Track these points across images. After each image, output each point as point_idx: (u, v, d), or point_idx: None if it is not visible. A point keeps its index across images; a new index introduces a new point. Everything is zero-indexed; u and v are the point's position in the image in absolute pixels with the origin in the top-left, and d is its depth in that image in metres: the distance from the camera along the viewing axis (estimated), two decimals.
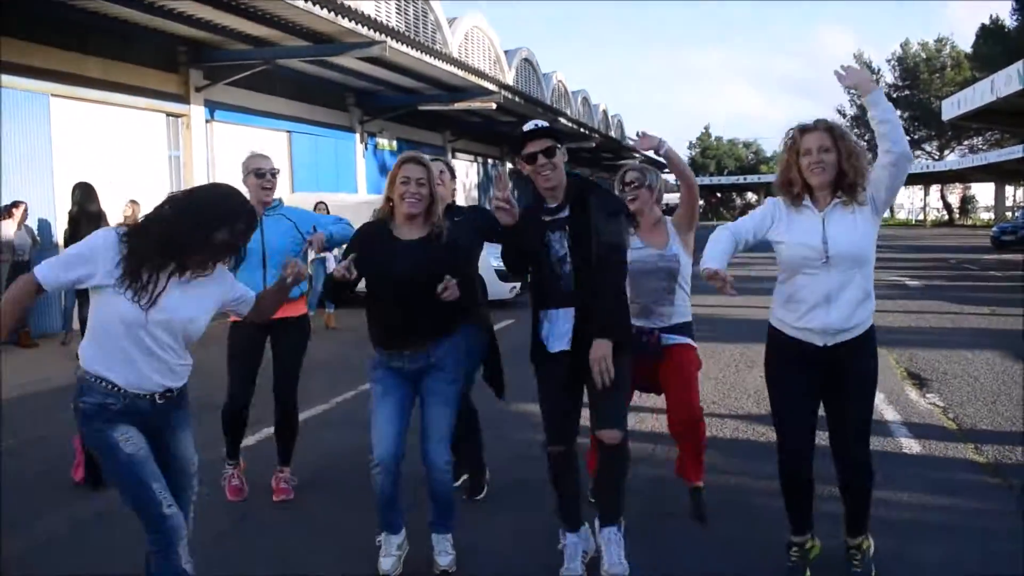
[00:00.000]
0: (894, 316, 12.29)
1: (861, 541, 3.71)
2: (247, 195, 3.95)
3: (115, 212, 11.19)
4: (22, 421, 6.89)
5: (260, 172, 4.82)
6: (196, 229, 2.82)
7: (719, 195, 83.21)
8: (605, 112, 49.42)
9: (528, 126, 3.77)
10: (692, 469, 4.48)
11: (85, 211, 9.90)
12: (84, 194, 9.99)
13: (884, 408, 6.72)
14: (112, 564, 4.00)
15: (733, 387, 7.63)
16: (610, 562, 3.70)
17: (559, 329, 3.73)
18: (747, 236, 3.60)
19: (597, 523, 3.87)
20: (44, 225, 10.75)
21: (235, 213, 2.89)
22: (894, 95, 45.98)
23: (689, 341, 4.42)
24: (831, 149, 3.40)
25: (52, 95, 11.30)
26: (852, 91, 3.45)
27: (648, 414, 6.36)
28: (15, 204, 10.23)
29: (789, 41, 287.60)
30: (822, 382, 3.56)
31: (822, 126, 3.46)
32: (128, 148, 12.74)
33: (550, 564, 3.86)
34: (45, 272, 2.77)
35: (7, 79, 10.56)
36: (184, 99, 13.87)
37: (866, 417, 3.58)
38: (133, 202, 11.43)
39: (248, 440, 5.36)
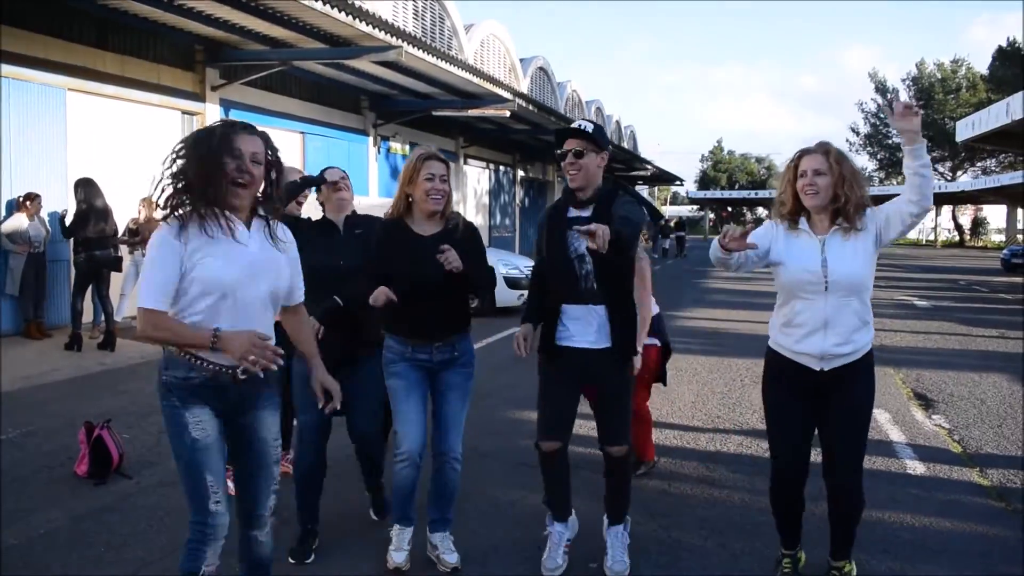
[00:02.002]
0: (901, 336, 12.25)
1: (843, 564, 3.76)
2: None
3: (125, 206, 11.24)
4: (27, 412, 6.91)
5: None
6: (205, 164, 2.78)
7: (730, 209, 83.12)
8: (618, 123, 49.45)
9: (573, 124, 3.86)
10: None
11: (93, 207, 9.94)
12: (89, 190, 10.03)
13: (889, 428, 6.71)
14: (110, 560, 4.01)
15: (739, 402, 7.61)
16: (613, 559, 3.94)
17: (579, 326, 3.81)
18: (753, 239, 3.56)
19: (605, 521, 4.06)
20: (56, 218, 10.78)
21: (225, 138, 2.81)
22: None
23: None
24: (826, 173, 3.41)
25: (69, 89, 11.35)
26: (895, 131, 3.35)
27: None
28: (30, 196, 10.24)
29: (812, 57, 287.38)
30: (818, 406, 3.57)
31: (820, 149, 3.49)
32: (142, 144, 12.77)
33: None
34: (153, 300, 2.70)
35: (24, 72, 10.62)
36: (200, 97, 13.93)
37: (858, 445, 3.57)
38: (146, 201, 11.47)
39: None
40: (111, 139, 12.16)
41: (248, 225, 2.88)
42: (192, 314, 2.74)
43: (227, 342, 2.67)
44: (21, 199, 10.21)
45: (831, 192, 3.41)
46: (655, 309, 5.11)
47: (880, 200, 3.65)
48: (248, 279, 2.79)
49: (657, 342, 5.26)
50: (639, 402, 5.08)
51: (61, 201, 10.99)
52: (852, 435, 3.55)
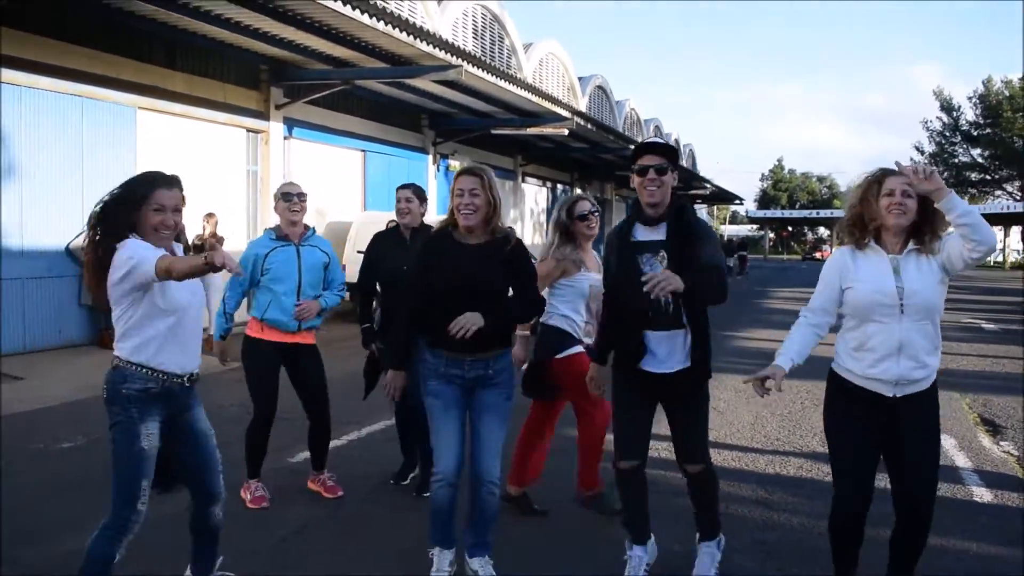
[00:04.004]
0: (968, 360, 11.95)
1: None
2: (279, 220, 5.10)
3: (190, 222, 11.49)
4: (93, 421, 7.09)
5: (288, 196, 5.10)
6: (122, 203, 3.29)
7: (790, 229, 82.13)
8: (677, 141, 49.19)
9: (649, 139, 3.82)
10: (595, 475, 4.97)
11: None
12: None
13: (955, 454, 6.54)
14: (174, 563, 4.08)
15: (799, 424, 7.50)
16: (698, 572, 3.96)
17: (662, 351, 3.75)
18: (828, 319, 3.61)
19: (697, 535, 4.08)
20: None
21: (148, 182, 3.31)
22: (975, 133, 44.86)
23: None
24: (913, 196, 3.35)
25: (139, 108, 11.70)
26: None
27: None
28: None
29: (876, 75, 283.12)
30: (884, 433, 3.48)
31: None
32: (208, 162, 13.10)
33: None
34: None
35: (98, 91, 10.97)
36: (264, 116, 14.23)
37: (935, 474, 3.48)
38: (210, 215, 11.75)
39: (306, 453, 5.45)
40: (178, 156, 12.46)
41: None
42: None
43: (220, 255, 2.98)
44: None
45: (915, 214, 3.37)
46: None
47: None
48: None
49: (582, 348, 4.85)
50: (595, 423, 4.82)
51: None
52: (928, 463, 3.46)
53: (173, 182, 3.34)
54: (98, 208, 3.33)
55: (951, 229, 3.37)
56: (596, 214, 4.87)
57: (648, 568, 4.01)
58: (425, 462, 5.17)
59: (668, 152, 3.75)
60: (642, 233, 3.79)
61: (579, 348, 4.76)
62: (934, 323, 3.44)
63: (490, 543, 3.99)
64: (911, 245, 3.41)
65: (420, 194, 5.29)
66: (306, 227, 5.18)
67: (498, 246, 3.86)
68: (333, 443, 5.86)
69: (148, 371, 3.25)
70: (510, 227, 4.00)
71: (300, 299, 5.01)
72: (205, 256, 2.98)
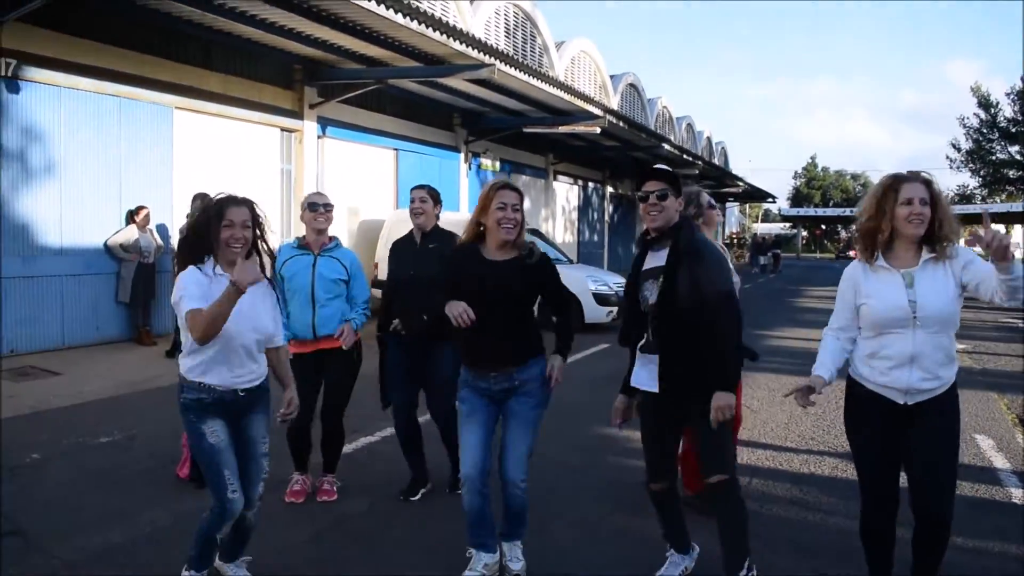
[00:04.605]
0: (1007, 360, 11.78)
1: None
2: (305, 228, 5.15)
3: None
4: (131, 416, 7.20)
5: (314, 206, 5.12)
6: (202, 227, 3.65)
7: (823, 227, 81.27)
8: (709, 139, 48.90)
9: (656, 166, 3.86)
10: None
11: None
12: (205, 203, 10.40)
13: (993, 455, 6.46)
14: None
15: (833, 423, 7.43)
16: None
17: (644, 372, 3.83)
18: (853, 334, 3.62)
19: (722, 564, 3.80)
20: (161, 230, 11.25)
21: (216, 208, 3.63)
22: (1013, 129, 44.06)
23: None
24: (928, 204, 3.33)
25: (176, 108, 11.83)
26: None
27: (743, 447, 6.26)
28: (139, 209, 10.84)
29: (912, 71, 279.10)
30: (902, 436, 3.47)
31: (920, 178, 3.40)
32: (243, 160, 13.21)
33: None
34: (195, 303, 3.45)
35: (136, 91, 11.12)
36: (298, 115, 14.32)
37: (948, 475, 3.45)
38: None
39: (346, 448, 5.50)
40: (214, 155, 12.63)
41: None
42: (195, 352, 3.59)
43: (240, 272, 3.23)
44: (131, 212, 10.82)
45: (929, 224, 3.34)
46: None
47: (975, 219, 3.53)
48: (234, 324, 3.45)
49: None
50: None
51: (166, 214, 11.46)
52: (940, 465, 3.43)
53: (242, 201, 3.68)
54: (180, 235, 3.78)
55: (977, 249, 3.31)
56: (715, 209, 4.85)
57: (685, 571, 4.04)
58: (455, 463, 5.16)
59: (669, 178, 3.76)
60: (650, 260, 3.84)
61: None
62: (949, 335, 3.41)
63: (521, 532, 4.13)
64: (926, 254, 3.38)
65: (435, 195, 5.25)
66: (331, 238, 5.19)
67: (523, 260, 3.96)
68: (367, 440, 5.92)
69: (200, 384, 3.60)
70: (532, 242, 4.09)
71: (315, 310, 5.03)
72: (227, 288, 3.26)
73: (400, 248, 5.32)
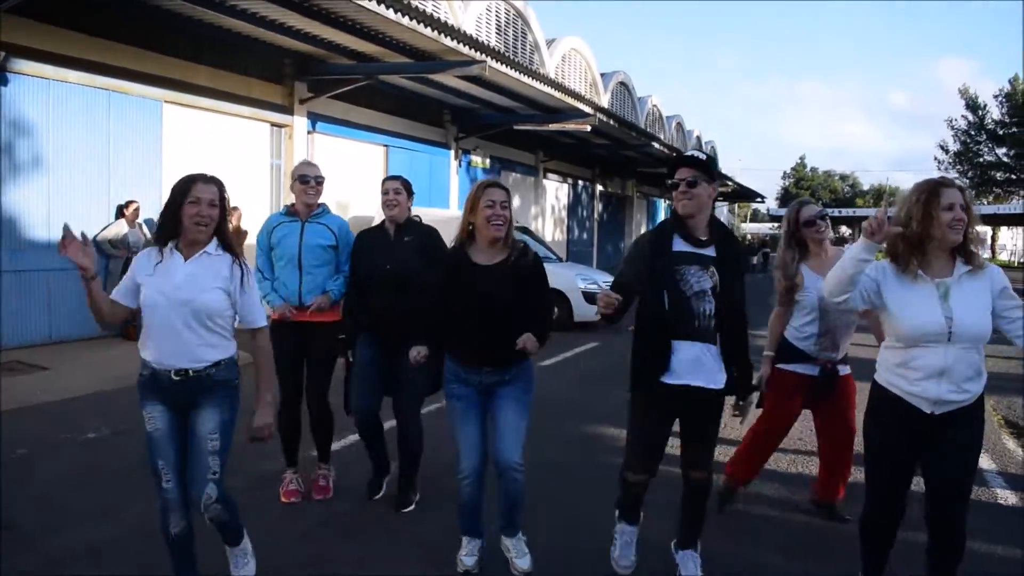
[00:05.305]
0: (992, 361, 11.76)
1: None
2: (295, 199, 5.08)
3: None
4: (118, 411, 7.16)
5: (304, 178, 5.08)
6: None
7: None
8: (699, 138, 48.96)
9: (688, 153, 3.83)
10: (837, 487, 4.97)
11: None
12: None
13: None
14: (198, 553, 4.12)
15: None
16: (687, 574, 3.95)
17: (690, 364, 3.67)
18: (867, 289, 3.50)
19: (673, 544, 4.07)
20: (150, 224, 11.21)
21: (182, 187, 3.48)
22: (1000, 132, 44.31)
23: (849, 369, 4.84)
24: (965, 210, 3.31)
25: (165, 101, 11.77)
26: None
27: (730, 447, 6.26)
28: (129, 203, 10.80)
29: (902, 72, 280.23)
30: (924, 445, 3.45)
31: (955, 185, 3.36)
32: (232, 155, 13.16)
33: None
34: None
35: (125, 84, 11.06)
36: (288, 110, 14.28)
37: (969, 483, 3.46)
38: (234, 209, 11.80)
39: (334, 445, 5.48)
40: (203, 149, 12.57)
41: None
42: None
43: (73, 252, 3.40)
44: (121, 206, 10.76)
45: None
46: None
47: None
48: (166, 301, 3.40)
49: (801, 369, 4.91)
50: (853, 416, 4.77)
51: (155, 209, 11.40)
52: (962, 479, 3.43)
53: (211, 179, 3.55)
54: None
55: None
56: (824, 219, 4.68)
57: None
58: (408, 471, 5.08)
59: (700, 165, 3.72)
60: (683, 245, 3.72)
61: (798, 367, 4.73)
62: (979, 351, 3.39)
63: (519, 524, 4.15)
64: (962, 266, 3.35)
65: (408, 186, 5.09)
66: (319, 204, 5.12)
67: (514, 262, 3.98)
68: (354, 437, 5.88)
69: (143, 361, 3.51)
70: (522, 242, 4.09)
71: (302, 276, 4.97)
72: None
73: (371, 241, 5.07)
